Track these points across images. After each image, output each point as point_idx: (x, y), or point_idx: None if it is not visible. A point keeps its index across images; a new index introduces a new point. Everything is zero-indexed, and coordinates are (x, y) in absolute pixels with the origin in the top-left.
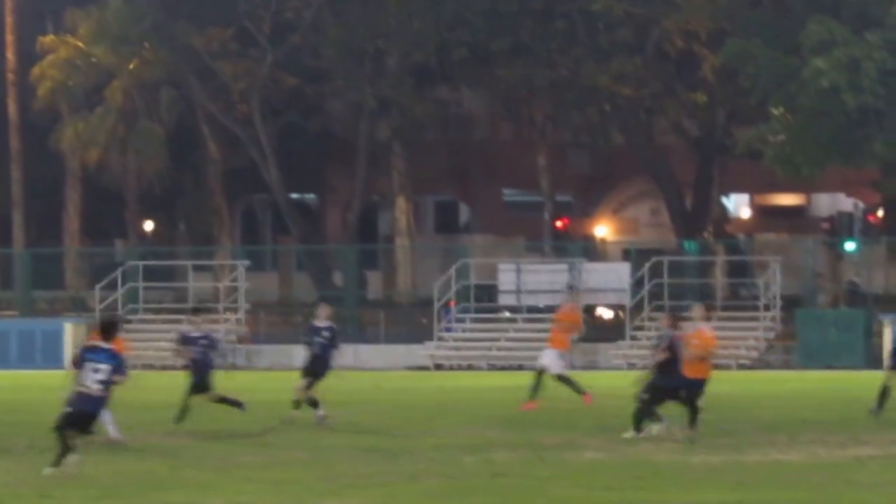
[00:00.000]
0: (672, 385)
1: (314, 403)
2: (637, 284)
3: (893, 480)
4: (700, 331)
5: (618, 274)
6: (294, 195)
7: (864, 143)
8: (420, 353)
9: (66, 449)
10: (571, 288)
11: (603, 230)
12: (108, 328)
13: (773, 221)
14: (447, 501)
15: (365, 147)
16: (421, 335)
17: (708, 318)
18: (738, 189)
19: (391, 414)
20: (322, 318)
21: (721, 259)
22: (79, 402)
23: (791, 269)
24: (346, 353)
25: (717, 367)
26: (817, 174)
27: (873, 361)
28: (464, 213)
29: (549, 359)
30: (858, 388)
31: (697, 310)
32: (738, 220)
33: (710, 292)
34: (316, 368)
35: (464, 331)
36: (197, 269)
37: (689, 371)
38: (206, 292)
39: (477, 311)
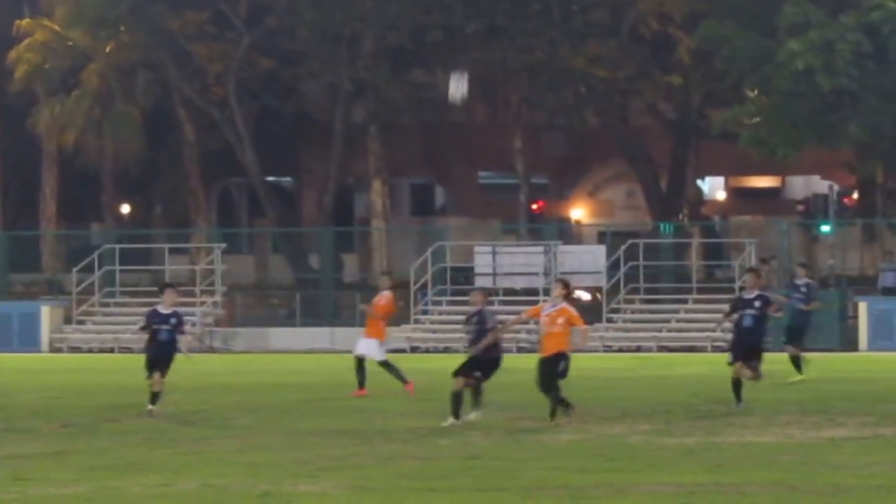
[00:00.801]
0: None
1: (155, 396)
2: (613, 267)
3: (868, 462)
4: (564, 308)
5: (594, 256)
6: (270, 178)
7: (838, 125)
8: (396, 335)
9: None
10: (387, 276)
11: (578, 212)
12: None
13: (749, 203)
14: (423, 483)
15: (340, 130)
16: (397, 318)
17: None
18: (714, 171)
19: (367, 396)
20: (167, 305)
21: (696, 241)
22: None
23: (766, 251)
24: (322, 336)
25: (693, 349)
26: (792, 156)
27: (848, 343)
28: (439, 195)
29: (370, 348)
30: (833, 369)
31: (558, 288)
32: (714, 202)
33: (686, 274)
34: (161, 358)
35: (440, 313)
36: (173, 251)
37: (551, 348)
38: (183, 275)
39: (453, 293)
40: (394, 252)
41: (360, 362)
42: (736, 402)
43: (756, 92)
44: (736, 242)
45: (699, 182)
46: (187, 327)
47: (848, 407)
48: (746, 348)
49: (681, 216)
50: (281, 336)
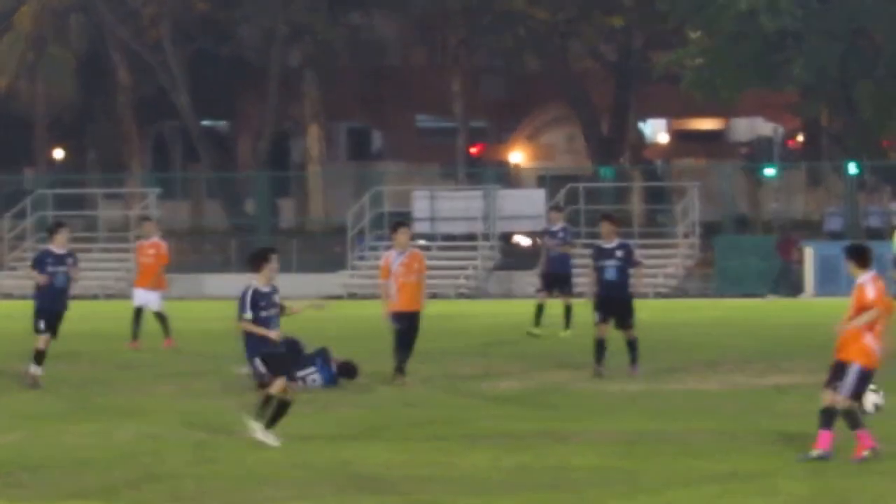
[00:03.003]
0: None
1: (41, 356)
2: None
3: (813, 409)
4: (416, 253)
5: (533, 200)
6: (205, 122)
7: (782, 66)
8: (334, 281)
9: None
10: (150, 221)
11: (518, 156)
12: None
13: (692, 147)
14: (360, 432)
15: (277, 73)
16: (334, 264)
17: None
18: (656, 114)
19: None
20: (61, 244)
21: (638, 185)
22: None
23: (710, 196)
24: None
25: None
26: (736, 98)
27: (793, 288)
28: (377, 139)
29: (148, 299)
30: (778, 315)
31: (404, 233)
32: (656, 146)
33: (627, 219)
34: (59, 306)
35: (377, 259)
36: (107, 197)
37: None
38: (117, 220)
39: (391, 239)
40: (330, 197)
41: (139, 313)
42: (599, 366)
43: (699, 33)
44: (678, 186)
45: (641, 125)
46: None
47: (793, 353)
48: (615, 304)
49: (622, 160)
50: (216, 282)
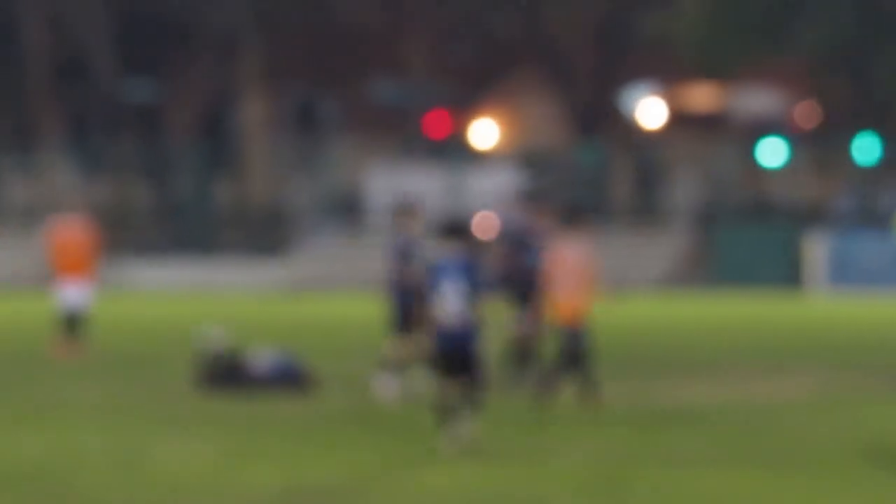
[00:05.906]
0: None
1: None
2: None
3: (826, 428)
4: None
5: (506, 180)
6: (130, 88)
7: (791, 27)
8: (267, 272)
9: None
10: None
11: (486, 130)
12: None
13: (685, 122)
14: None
15: (213, 32)
16: (268, 249)
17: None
18: (645, 84)
19: None
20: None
21: (625, 165)
22: None
23: (706, 177)
24: (188, 269)
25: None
26: (739, 65)
27: (795, 280)
28: (327, 108)
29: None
30: (782, 309)
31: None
32: (644, 120)
33: (610, 203)
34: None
35: (325, 247)
36: (16, 173)
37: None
38: (28, 202)
39: (339, 223)
40: (271, 174)
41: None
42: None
43: None
44: (670, 167)
45: (627, 95)
46: None
47: (801, 357)
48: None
49: (606, 136)
50: (144, 270)
